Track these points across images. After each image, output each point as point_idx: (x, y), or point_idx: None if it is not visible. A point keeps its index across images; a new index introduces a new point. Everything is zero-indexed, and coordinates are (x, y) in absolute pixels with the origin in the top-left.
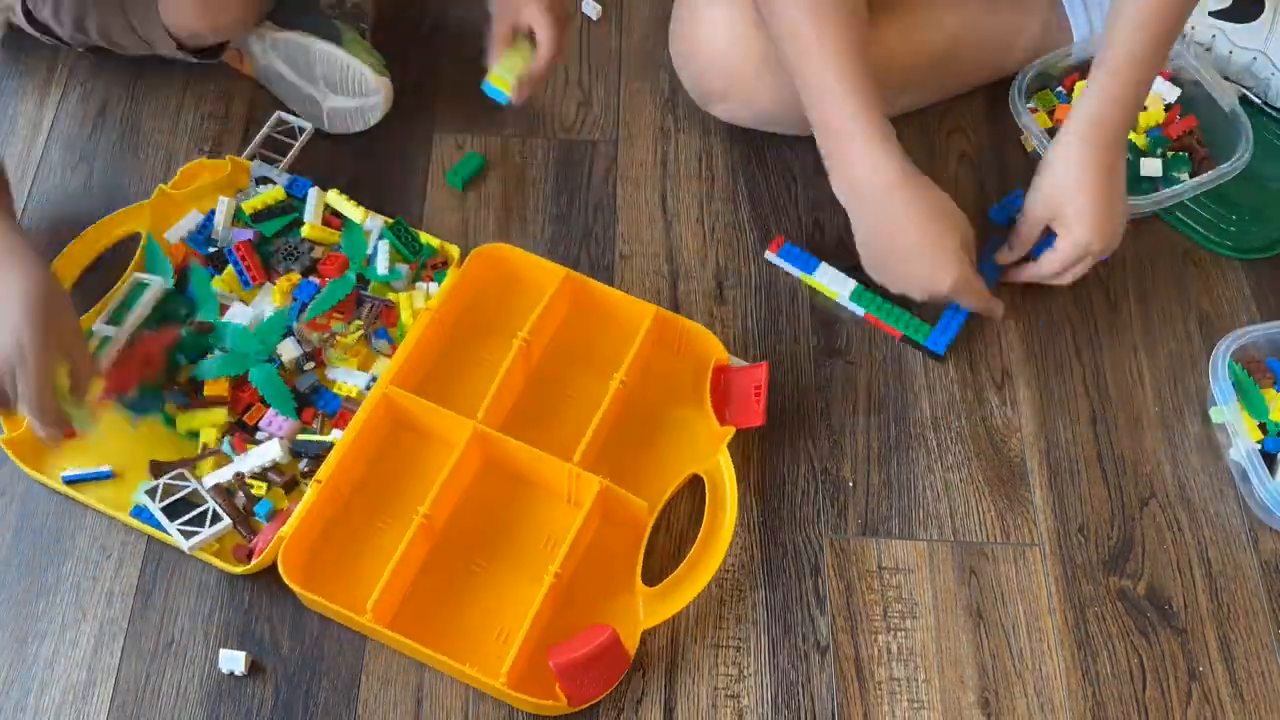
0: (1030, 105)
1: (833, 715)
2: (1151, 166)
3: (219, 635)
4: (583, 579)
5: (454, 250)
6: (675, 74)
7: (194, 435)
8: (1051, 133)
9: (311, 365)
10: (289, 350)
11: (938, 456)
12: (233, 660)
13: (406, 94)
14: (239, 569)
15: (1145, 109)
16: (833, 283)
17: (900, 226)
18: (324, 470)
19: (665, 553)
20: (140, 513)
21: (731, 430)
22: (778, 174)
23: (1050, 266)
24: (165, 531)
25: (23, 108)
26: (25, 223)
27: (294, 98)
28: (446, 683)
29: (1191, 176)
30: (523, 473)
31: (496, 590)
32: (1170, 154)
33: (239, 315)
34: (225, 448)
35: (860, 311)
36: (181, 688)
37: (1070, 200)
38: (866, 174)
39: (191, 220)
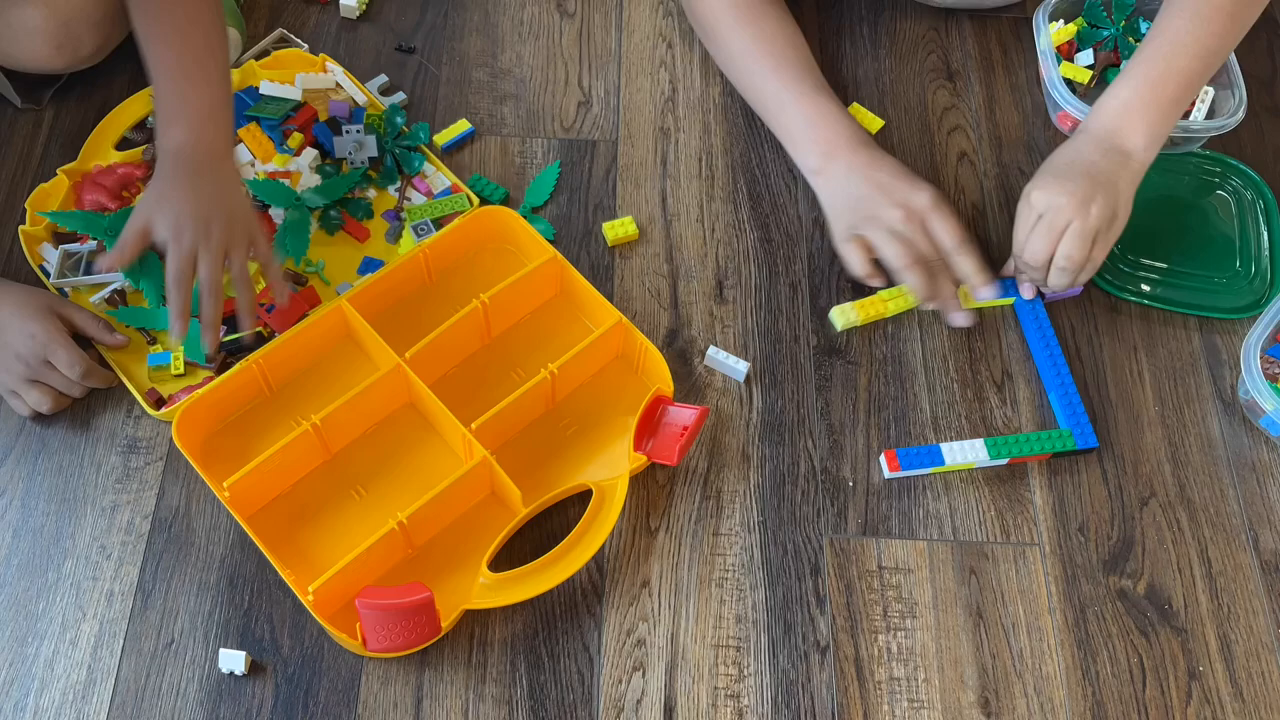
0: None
1: (833, 715)
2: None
3: (219, 635)
4: (443, 543)
5: (474, 199)
6: (675, 74)
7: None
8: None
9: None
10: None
11: None
12: (233, 660)
13: (406, 93)
14: (151, 410)
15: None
16: (966, 455)
17: (877, 163)
18: (256, 354)
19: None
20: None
21: (644, 460)
22: (777, 174)
23: (1016, 238)
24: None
25: (22, 108)
26: (25, 222)
27: None
28: (446, 683)
29: None
30: (432, 423)
31: (363, 522)
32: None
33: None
34: None
35: (1004, 461)
36: (181, 688)
37: (1038, 174)
38: (842, 130)
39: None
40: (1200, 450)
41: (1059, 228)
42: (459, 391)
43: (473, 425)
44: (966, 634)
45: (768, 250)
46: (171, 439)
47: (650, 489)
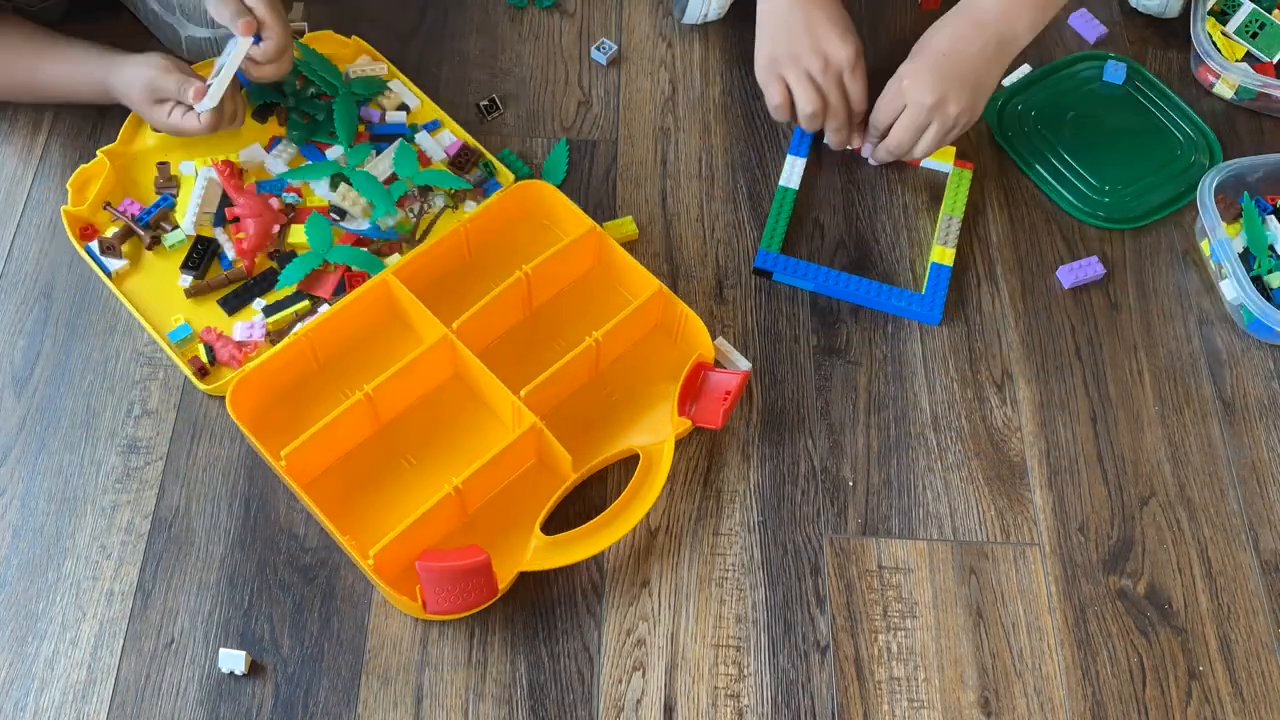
0: None
1: (833, 715)
2: None
3: (219, 635)
4: (493, 508)
5: (509, 175)
6: (675, 74)
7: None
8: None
9: None
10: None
11: (938, 456)
12: (233, 660)
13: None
14: (197, 382)
15: None
16: None
17: (822, 4)
18: (305, 327)
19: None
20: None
21: (688, 424)
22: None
23: (876, 115)
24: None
25: (23, 107)
26: (24, 221)
27: (158, 25)
28: (446, 683)
29: None
30: (480, 392)
31: (415, 489)
32: None
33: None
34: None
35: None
36: (181, 688)
37: (916, 53)
38: None
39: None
40: (1200, 450)
41: (921, 125)
42: (503, 361)
43: (522, 392)
44: (966, 634)
45: None
46: (170, 437)
47: None
